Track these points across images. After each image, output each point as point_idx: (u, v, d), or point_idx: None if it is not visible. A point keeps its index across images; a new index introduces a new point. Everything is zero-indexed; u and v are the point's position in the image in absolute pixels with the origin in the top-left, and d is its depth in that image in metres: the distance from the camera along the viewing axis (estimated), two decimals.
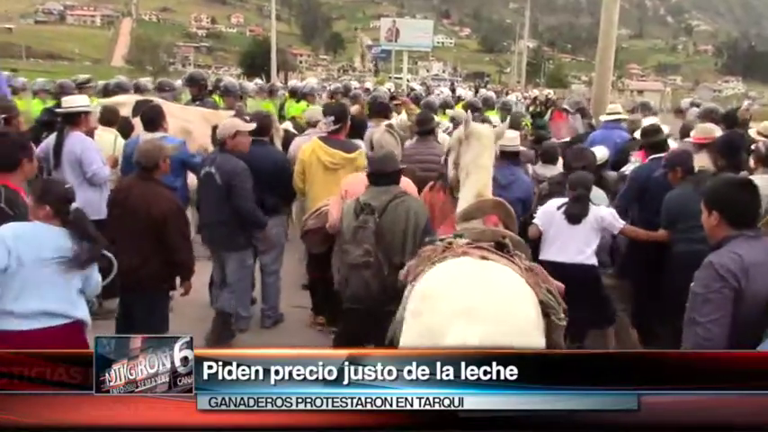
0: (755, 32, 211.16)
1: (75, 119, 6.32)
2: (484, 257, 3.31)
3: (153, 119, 6.60)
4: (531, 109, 16.56)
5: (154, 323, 4.66)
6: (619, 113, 8.98)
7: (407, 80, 49.11)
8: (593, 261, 5.30)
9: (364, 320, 4.35)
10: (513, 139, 6.17)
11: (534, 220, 5.40)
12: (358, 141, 6.65)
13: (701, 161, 5.75)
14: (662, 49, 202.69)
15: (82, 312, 3.71)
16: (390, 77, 51.33)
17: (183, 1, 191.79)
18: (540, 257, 5.07)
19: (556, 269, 4.38)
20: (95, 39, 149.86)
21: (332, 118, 6.30)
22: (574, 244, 5.24)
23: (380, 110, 8.41)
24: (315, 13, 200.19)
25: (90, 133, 6.52)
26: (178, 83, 11.65)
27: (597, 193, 5.72)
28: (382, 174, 4.64)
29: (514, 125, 7.87)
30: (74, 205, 3.69)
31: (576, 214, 5.26)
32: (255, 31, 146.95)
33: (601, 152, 6.64)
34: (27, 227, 3.64)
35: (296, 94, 13.41)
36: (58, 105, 8.67)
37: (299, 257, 7.00)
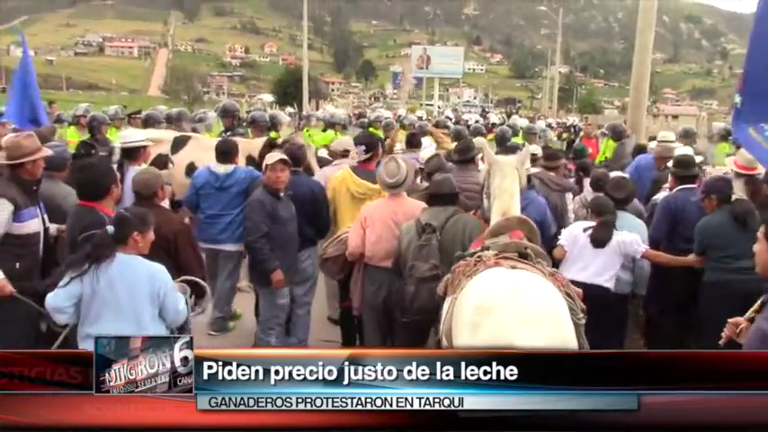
0: None
1: (134, 153, 6.29)
2: (513, 266, 3.71)
3: (227, 152, 6.53)
4: (564, 136, 16.35)
5: None
6: (672, 141, 8.84)
7: (438, 107, 49.29)
8: (611, 285, 5.32)
9: (425, 330, 4.81)
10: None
11: (559, 241, 5.51)
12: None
13: (738, 190, 5.59)
14: (697, 73, 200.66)
15: None
16: (422, 104, 51.61)
17: (217, 31, 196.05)
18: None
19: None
20: (133, 69, 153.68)
21: (363, 147, 6.29)
22: (594, 266, 5.30)
23: (413, 141, 8.71)
24: (346, 42, 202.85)
25: None
26: (211, 114, 11.67)
27: (634, 221, 5.65)
28: (439, 195, 5.10)
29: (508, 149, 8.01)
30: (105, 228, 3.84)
31: (600, 239, 5.32)
32: (288, 59, 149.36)
33: None
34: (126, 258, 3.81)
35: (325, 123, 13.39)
36: (93, 138, 8.80)
37: (327, 292, 6.89)
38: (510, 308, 3.36)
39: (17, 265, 4.58)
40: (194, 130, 8.99)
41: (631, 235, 5.38)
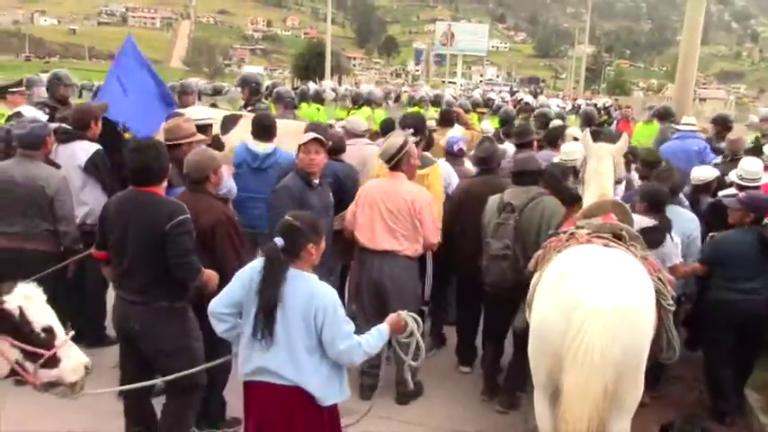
0: None
1: (203, 130, 5.68)
2: (606, 245, 3.68)
3: (268, 127, 5.85)
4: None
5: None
6: (694, 125, 8.51)
7: (461, 85, 48.72)
8: None
9: (501, 305, 4.90)
10: (571, 152, 5.87)
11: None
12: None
13: None
14: (726, 56, 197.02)
15: (308, 380, 3.11)
16: (444, 82, 50.98)
17: (240, 4, 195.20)
18: None
19: None
20: (155, 40, 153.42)
21: (411, 130, 5.75)
22: None
23: (448, 118, 8.34)
24: (369, 17, 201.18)
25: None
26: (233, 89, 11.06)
27: (686, 216, 5.23)
28: (524, 173, 5.03)
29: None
30: (275, 238, 3.18)
31: (649, 243, 4.61)
32: (310, 33, 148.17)
33: (706, 172, 6.10)
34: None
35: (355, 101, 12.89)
36: (52, 97, 7.49)
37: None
38: (587, 273, 3.40)
39: None
40: (214, 105, 8.32)
41: (674, 243, 4.91)
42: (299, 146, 4.91)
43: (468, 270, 5.31)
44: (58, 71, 7.86)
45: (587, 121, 9.90)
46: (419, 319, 3.51)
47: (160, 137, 4.93)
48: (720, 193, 5.83)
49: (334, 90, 13.17)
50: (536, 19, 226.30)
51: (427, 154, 6.04)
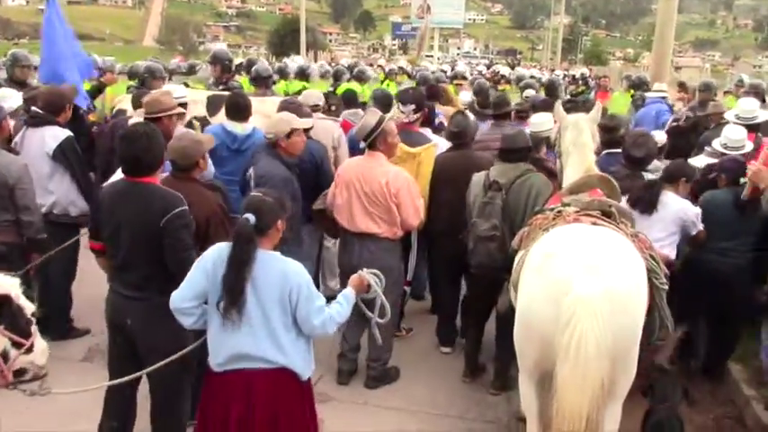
0: None
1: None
2: (594, 223, 3.55)
3: (243, 108, 5.62)
4: (572, 89, 15.75)
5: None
6: (663, 92, 8.90)
7: (438, 58, 48.30)
8: (673, 253, 4.75)
9: (487, 286, 4.79)
10: (540, 123, 5.81)
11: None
12: None
13: None
14: (700, 24, 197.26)
15: (293, 359, 3.13)
16: (421, 56, 50.48)
17: None
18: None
19: None
20: (127, 19, 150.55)
21: (412, 107, 5.72)
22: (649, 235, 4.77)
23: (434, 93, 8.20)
24: None
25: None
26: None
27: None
28: (512, 150, 4.87)
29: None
30: (244, 215, 3.07)
31: (645, 203, 4.67)
32: (285, 9, 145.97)
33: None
34: (221, 245, 3.13)
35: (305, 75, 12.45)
36: (9, 79, 7.56)
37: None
38: (575, 255, 3.23)
39: None
40: (186, 84, 8.07)
41: (695, 209, 4.85)
42: (291, 130, 4.81)
43: (445, 248, 5.22)
44: (15, 51, 7.68)
45: (551, 91, 9.77)
46: (380, 275, 3.52)
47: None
48: (691, 160, 5.84)
49: (303, 66, 12.69)
50: None
51: (425, 131, 5.89)
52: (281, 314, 3.05)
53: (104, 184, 4.12)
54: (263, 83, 8.89)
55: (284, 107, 5.53)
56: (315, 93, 6.82)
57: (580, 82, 18.09)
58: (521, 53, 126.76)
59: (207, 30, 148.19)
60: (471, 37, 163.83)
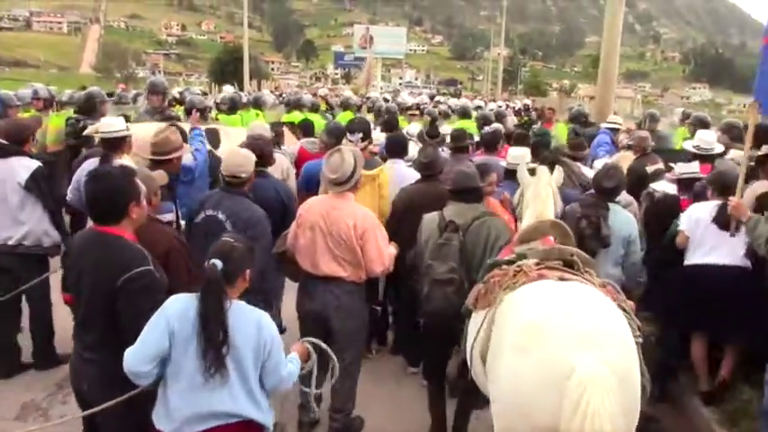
0: (722, 40, 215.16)
1: (118, 144, 5.41)
2: (562, 278, 3.23)
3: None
4: (515, 119, 16.04)
5: None
6: (614, 123, 9.33)
7: (381, 88, 48.83)
8: (749, 264, 4.87)
9: (442, 336, 4.33)
10: (520, 156, 5.85)
11: (680, 227, 5.16)
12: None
13: None
14: (630, 56, 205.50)
15: (264, 412, 2.96)
16: (371, 86, 50.89)
17: (152, 8, 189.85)
18: (687, 262, 5.06)
19: (705, 273, 4.89)
20: (62, 46, 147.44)
21: (360, 135, 5.88)
22: (728, 246, 4.91)
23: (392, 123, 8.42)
24: (286, 21, 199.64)
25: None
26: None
27: (624, 216, 5.22)
28: (468, 189, 4.57)
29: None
30: (211, 262, 2.84)
31: (727, 222, 4.87)
32: (226, 38, 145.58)
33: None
34: (184, 298, 2.90)
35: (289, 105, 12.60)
36: (79, 120, 7.72)
37: None
38: (566, 328, 2.84)
39: None
40: (125, 117, 7.65)
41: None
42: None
43: (411, 281, 5.06)
44: None
45: (483, 123, 9.91)
46: (318, 342, 3.39)
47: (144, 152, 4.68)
48: (652, 186, 6.02)
49: (233, 95, 12.76)
50: (452, 22, 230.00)
51: (375, 156, 6.09)
52: (254, 366, 2.87)
53: (78, 232, 3.93)
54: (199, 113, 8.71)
55: (251, 143, 5.32)
56: (260, 124, 6.84)
57: (523, 113, 18.48)
58: (461, 83, 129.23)
59: (146, 57, 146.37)
60: (413, 67, 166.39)
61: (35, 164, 5.09)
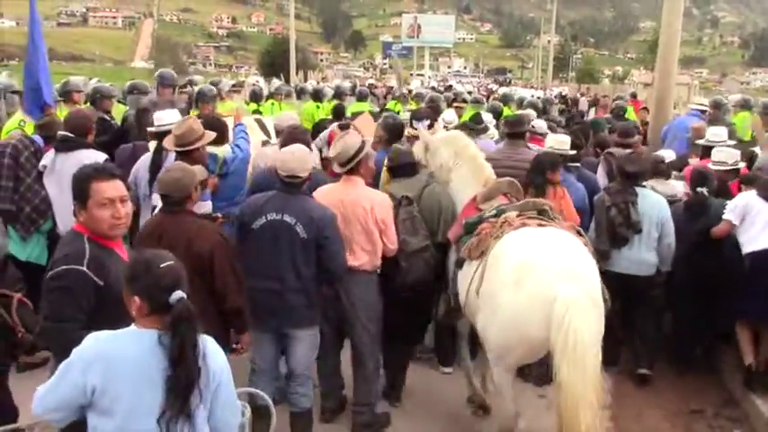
0: None
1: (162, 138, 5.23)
2: (540, 224, 4.05)
3: (220, 130, 5.28)
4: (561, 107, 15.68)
5: None
6: (706, 105, 9.38)
7: (429, 77, 48.51)
8: None
9: (421, 302, 4.73)
10: (561, 142, 5.69)
11: (725, 216, 5.21)
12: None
13: None
14: (687, 41, 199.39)
15: None
16: (412, 74, 50.64)
17: (204, 1, 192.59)
18: (746, 250, 5.10)
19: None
20: (117, 40, 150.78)
21: (427, 122, 5.95)
22: None
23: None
24: (335, 12, 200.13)
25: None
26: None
27: (655, 199, 5.46)
28: (409, 164, 4.91)
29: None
30: (178, 295, 2.40)
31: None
32: (276, 29, 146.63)
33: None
34: (116, 337, 2.42)
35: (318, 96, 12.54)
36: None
37: None
38: (552, 264, 3.69)
39: None
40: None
41: None
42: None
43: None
44: None
45: (495, 114, 9.68)
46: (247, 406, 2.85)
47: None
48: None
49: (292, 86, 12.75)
50: (501, 10, 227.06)
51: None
52: (203, 403, 2.45)
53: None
54: (210, 101, 8.57)
55: (292, 136, 5.17)
56: (289, 114, 6.87)
57: (559, 100, 18.07)
58: (510, 71, 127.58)
59: (197, 50, 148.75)
60: (461, 56, 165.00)
61: (102, 157, 5.06)
